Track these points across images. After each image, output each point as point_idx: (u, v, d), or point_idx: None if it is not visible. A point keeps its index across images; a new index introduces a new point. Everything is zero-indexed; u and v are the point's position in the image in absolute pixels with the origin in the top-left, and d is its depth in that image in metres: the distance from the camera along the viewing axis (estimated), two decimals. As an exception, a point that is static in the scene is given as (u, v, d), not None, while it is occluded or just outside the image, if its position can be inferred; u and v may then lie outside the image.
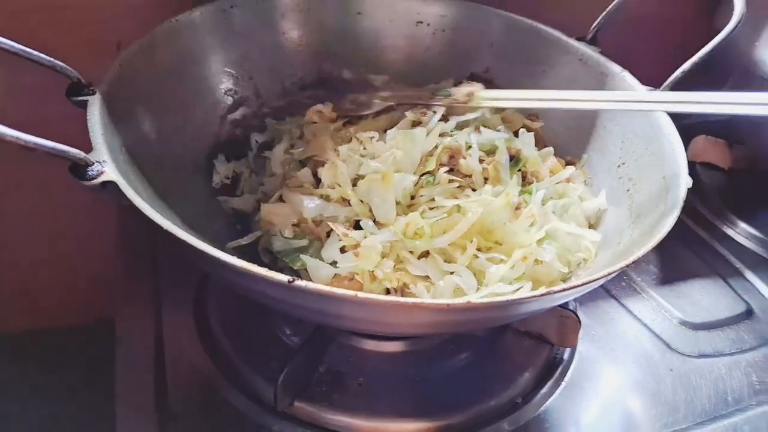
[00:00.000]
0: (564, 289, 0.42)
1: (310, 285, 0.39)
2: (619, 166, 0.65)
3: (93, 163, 0.46)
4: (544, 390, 0.61)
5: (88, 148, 0.47)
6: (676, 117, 0.61)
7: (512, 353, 0.63)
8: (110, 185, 0.45)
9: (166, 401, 0.57)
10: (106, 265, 0.71)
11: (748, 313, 0.73)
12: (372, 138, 0.63)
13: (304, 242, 0.59)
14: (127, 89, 0.58)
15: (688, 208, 0.53)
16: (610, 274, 0.44)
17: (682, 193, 0.53)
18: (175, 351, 0.62)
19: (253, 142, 0.72)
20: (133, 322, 0.64)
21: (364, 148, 0.63)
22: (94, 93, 0.53)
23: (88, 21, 0.68)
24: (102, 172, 0.45)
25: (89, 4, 0.67)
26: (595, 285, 0.44)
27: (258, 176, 0.69)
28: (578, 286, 0.43)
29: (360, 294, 0.38)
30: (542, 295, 0.41)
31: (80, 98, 0.52)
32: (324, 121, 0.70)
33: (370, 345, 0.62)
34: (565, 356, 0.64)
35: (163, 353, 0.61)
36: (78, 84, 0.53)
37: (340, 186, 0.60)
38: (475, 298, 0.50)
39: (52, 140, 0.43)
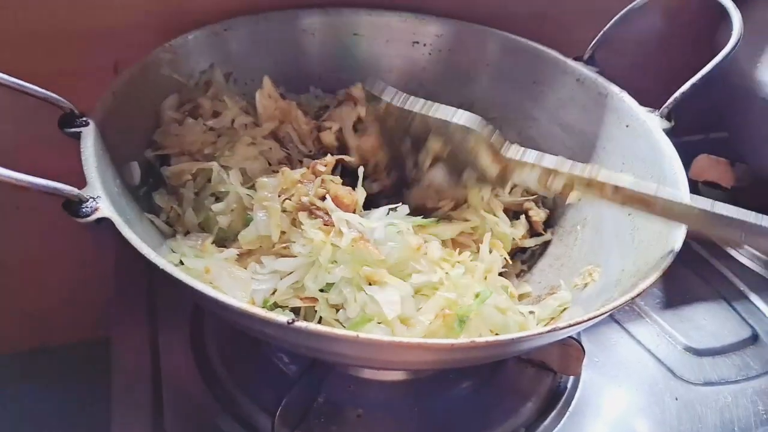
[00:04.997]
0: (569, 325, 0.41)
1: (311, 326, 0.38)
2: (620, 189, 0.63)
3: (87, 200, 0.45)
4: (547, 421, 0.60)
5: (82, 180, 0.47)
6: (674, 134, 0.61)
7: (515, 382, 0.62)
8: (105, 221, 0.44)
9: (163, 429, 0.56)
10: (104, 288, 0.70)
11: (754, 338, 0.71)
12: None
13: None
14: (122, 117, 0.57)
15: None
16: (614, 308, 0.44)
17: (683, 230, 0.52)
18: (171, 379, 0.61)
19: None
20: (129, 347, 0.63)
21: None
22: (87, 124, 0.52)
23: (81, 48, 0.67)
24: (96, 209, 0.44)
25: (83, 32, 0.66)
26: (599, 319, 0.44)
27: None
28: (582, 321, 0.42)
29: (362, 335, 0.38)
30: (547, 332, 0.41)
31: (73, 129, 0.51)
32: None
33: (370, 374, 0.61)
34: (569, 384, 0.63)
35: (160, 380, 0.61)
36: (71, 115, 0.52)
37: None
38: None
39: (46, 173, 0.42)
